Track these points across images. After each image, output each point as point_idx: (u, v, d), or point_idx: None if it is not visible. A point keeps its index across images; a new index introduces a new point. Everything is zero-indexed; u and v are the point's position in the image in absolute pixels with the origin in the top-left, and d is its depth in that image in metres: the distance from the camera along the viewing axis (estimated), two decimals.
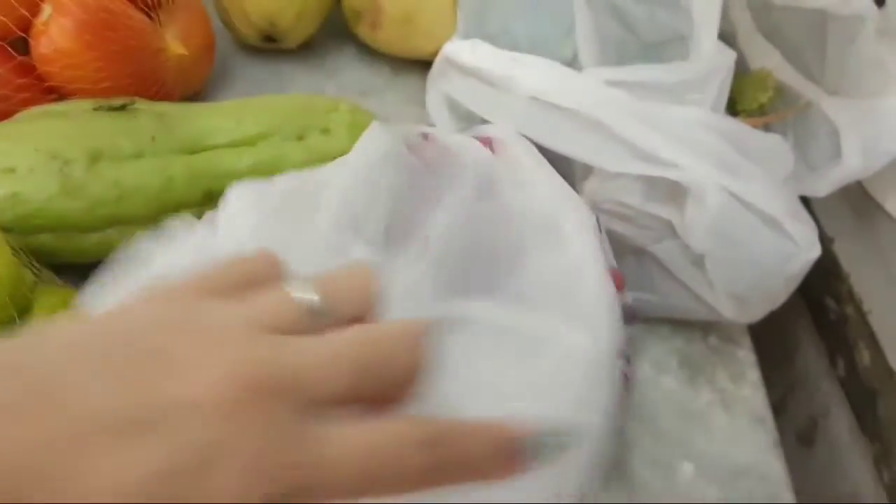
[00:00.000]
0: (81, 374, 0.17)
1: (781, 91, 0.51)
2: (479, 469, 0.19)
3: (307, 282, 0.21)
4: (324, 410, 0.18)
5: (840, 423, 0.46)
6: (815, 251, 0.40)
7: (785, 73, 0.52)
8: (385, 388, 0.20)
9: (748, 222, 0.39)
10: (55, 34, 0.41)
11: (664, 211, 0.41)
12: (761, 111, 0.51)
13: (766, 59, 0.53)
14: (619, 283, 0.40)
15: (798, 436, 0.49)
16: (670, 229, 0.41)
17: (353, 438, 0.18)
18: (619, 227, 0.42)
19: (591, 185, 0.42)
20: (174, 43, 0.46)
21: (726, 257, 0.40)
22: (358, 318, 0.21)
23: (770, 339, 0.48)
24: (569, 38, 0.46)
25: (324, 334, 0.19)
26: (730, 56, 0.42)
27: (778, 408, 0.45)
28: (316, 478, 0.18)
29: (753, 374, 0.43)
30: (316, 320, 0.20)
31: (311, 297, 0.20)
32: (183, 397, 0.17)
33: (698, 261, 0.41)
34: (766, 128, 0.50)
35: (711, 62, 0.42)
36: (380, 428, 0.19)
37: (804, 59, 0.52)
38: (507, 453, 0.19)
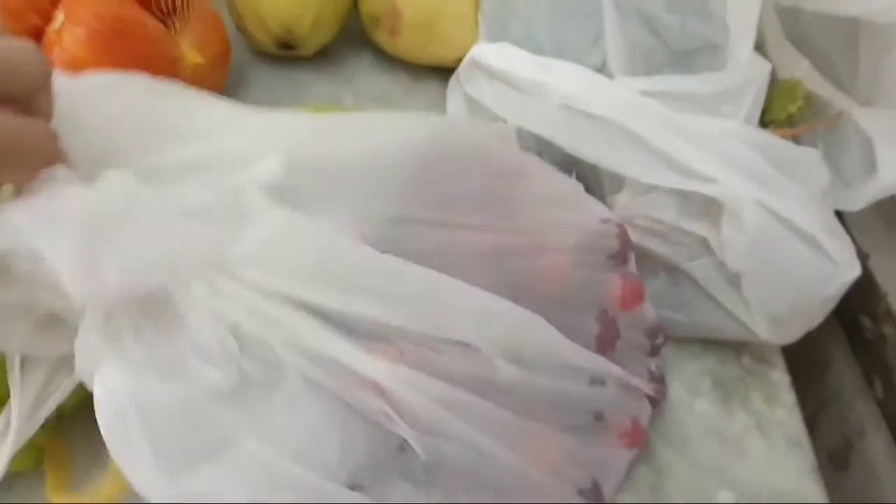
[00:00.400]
0: None
1: (811, 101, 0.50)
2: None
3: None
4: None
5: (876, 445, 0.44)
6: (855, 271, 0.38)
7: (814, 82, 0.50)
8: (15, 91, 0.25)
9: (787, 241, 0.38)
10: (68, 43, 0.40)
11: (699, 227, 0.39)
12: (790, 122, 0.50)
13: (795, 67, 0.52)
14: (638, 295, 0.39)
15: (831, 457, 0.48)
16: (705, 246, 0.40)
17: None
18: (652, 244, 0.40)
19: (622, 199, 0.41)
20: (190, 51, 0.44)
21: (764, 277, 0.38)
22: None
23: (801, 356, 0.47)
24: (596, 45, 0.44)
25: None
26: (765, 67, 0.41)
27: (809, 426, 0.43)
28: None
29: (788, 397, 0.42)
30: None
31: None
32: None
33: (734, 279, 0.39)
34: (796, 139, 0.49)
35: (747, 73, 0.40)
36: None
37: (835, 69, 0.50)
38: None
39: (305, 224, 0.32)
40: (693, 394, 0.41)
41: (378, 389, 0.31)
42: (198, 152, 0.33)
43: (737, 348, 0.43)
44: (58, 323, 0.29)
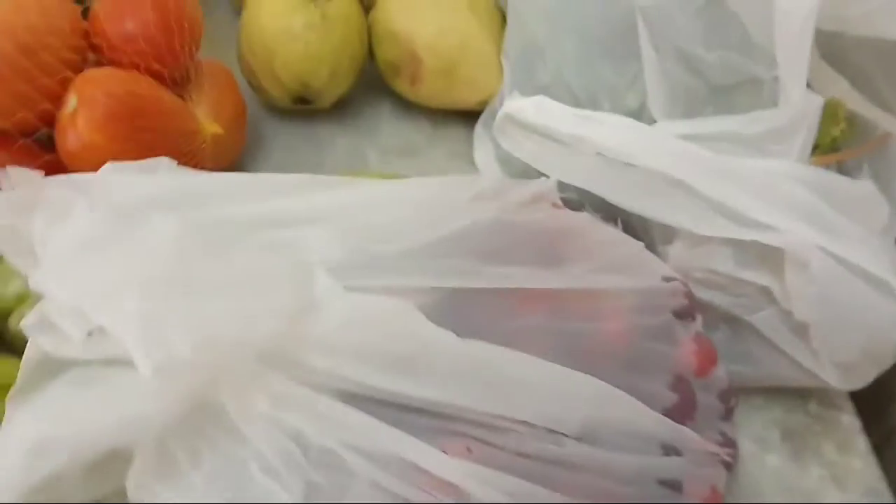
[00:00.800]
0: None
1: (854, 123, 0.48)
2: None
3: None
4: None
5: None
6: None
7: (855, 102, 0.48)
8: None
9: (855, 287, 0.36)
10: (82, 127, 0.38)
11: (759, 276, 0.38)
12: (834, 147, 0.48)
13: (833, 88, 0.50)
14: (713, 358, 0.37)
15: None
16: (767, 296, 0.38)
17: None
18: (711, 297, 0.38)
19: (676, 251, 0.39)
20: (207, 121, 0.42)
21: (833, 325, 0.36)
22: None
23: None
24: (632, 88, 0.42)
25: None
26: (817, 101, 0.39)
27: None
28: None
29: (861, 442, 0.40)
30: None
31: None
32: None
33: (800, 329, 0.37)
34: (840, 166, 0.47)
35: (799, 109, 0.38)
36: None
37: (876, 86, 0.48)
38: None
39: (376, 305, 0.31)
40: (763, 448, 0.39)
41: (449, 489, 0.29)
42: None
43: (802, 395, 0.41)
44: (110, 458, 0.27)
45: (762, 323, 0.38)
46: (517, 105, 0.41)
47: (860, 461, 0.39)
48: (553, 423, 0.31)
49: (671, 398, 0.35)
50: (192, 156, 0.41)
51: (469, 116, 0.51)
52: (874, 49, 0.47)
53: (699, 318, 0.37)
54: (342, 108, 0.52)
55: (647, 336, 0.34)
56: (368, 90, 0.53)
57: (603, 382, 0.31)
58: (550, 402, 0.31)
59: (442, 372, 0.30)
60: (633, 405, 0.32)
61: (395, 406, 0.30)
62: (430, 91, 0.50)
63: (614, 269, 0.35)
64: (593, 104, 0.42)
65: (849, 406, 0.41)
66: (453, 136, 0.52)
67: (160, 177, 0.34)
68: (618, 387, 0.33)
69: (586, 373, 0.32)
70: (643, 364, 0.35)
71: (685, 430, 0.34)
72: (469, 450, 0.30)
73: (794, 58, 0.38)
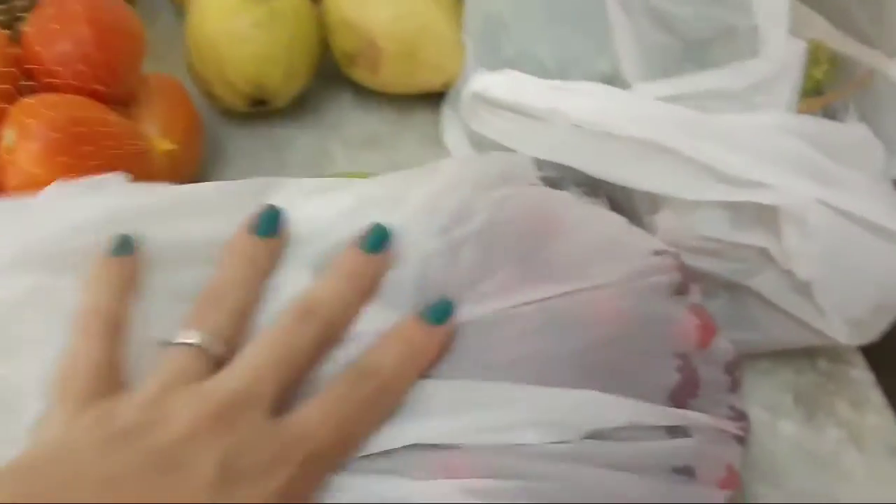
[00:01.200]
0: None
1: (836, 62, 0.46)
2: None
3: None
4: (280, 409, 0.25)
5: None
6: None
7: (835, 40, 0.46)
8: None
9: (858, 239, 0.34)
10: (23, 162, 0.35)
11: (757, 238, 0.36)
12: (818, 90, 0.46)
13: (811, 27, 0.47)
14: (712, 328, 0.35)
15: None
16: (766, 258, 0.36)
17: (314, 409, 0.25)
18: (707, 264, 0.37)
19: (665, 220, 0.37)
20: (159, 139, 0.40)
21: (839, 281, 0.35)
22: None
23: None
24: (604, 53, 0.40)
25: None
26: (800, 46, 0.37)
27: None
28: (311, 447, 0.24)
29: (876, 396, 0.38)
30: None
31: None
32: (170, 442, 0.22)
33: (803, 288, 0.36)
34: (826, 109, 0.45)
35: (782, 56, 0.36)
36: (327, 396, 0.26)
37: (856, 22, 0.46)
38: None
39: None
40: (775, 415, 0.38)
41: None
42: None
43: (810, 354, 0.39)
44: None
45: (762, 286, 0.36)
46: (484, 81, 0.39)
47: (877, 417, 0.38)
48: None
49: (674, 378, 0.33)
50: (145, 177, 0.38)
51: (436, 99, 0.48)
52: None
53: (695, 289, 0.35)
54: (301, 105, 0.49)
55: (642, 320, 0.32)
56: (328, 83, 0.51)
57: (596, 393, 0.30)
58: (547, 427, 0.29)
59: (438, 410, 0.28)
60: (633, 408, 0.30)
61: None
62: (391, 78, 0.48)
63: (599, 256, 0.33)
64: (563, 73, 0.40)
65: (859, 360, 0.40)
66: (421, 121, 0.49)
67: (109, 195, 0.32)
68: (617, 378, 0.31)
69: (581, 368, 0.30)
70: (641, 349, 0.33)
71: (690, 414, 0.32)
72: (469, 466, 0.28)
73: (773, 2, 0.36)
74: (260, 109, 0.48)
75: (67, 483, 0.21)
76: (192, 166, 0.44)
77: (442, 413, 0.28)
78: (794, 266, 0.35)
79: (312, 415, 0.25)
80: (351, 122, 0.49)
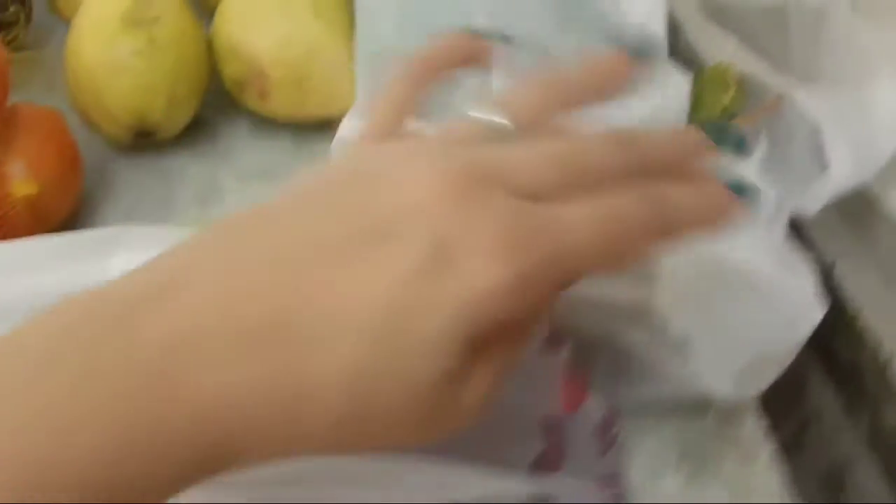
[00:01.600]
0: (313, 209, 0.20)
1: (745, 87, 0.44)
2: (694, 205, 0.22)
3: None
4: (539, 198, 0.20)
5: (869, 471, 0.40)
6: (821, 309, 0.33)
7: (746, 62, 0.44)
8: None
9: (736, 292, 0.32)
10: None
11: (629, 292, 0.34)
12: (726, 115, 0.44)
13: (721, 49, 0.45)
14: (583, 390, 0.33)
15: (821, 482, 0.43)
16: (642, 312, 0.34)
17: (583, 207, 0.20)
18: (581, 320, 0.35)
19: None
20: (20, 181, 0.38)
21: (718, 338, 0.33)
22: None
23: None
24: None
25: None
26: (682, 83, 0.35)
27: (795, 450, 0.39)
28: (562, 244, 0.19)
29: (765, 453, 0.36)
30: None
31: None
32: (404, 205, 0.19)
33: (682, 344, 0.34)
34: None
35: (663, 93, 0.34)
36: (603, 199, 0.20)
37: (763, 44, 0.44)
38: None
39: None
40: (657, 475, 0.36)
41: None
42: None
43: (700, 408, 0.37)
44: None
45: (638, 342, 0.34)
46: (351, 126, 0.37)
47: (764, 475, 0.36)
48: None
49: (540, 446, 0.32)
50: None
51: (336, 128, 0.46)
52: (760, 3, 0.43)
53: (567, 345, 0.33)
54: (193, 134, 0.47)
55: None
56: (221, 111, 0.49)
57: (453, 465, 0.28)
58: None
59: None
60: (493, 479, 0.29)
61: None
62: (281, 106, 0.45)
63: None
64: (443, 114, 0.38)
65: (751, 408, 0.38)
66: (319, 150, 0.47)
67: None
68: (476, 448, 0.29)
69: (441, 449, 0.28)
70: (504, 415, 0.31)
71: (555, 482, 0.31)
72: None
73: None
74: (147, 141, 0.46)
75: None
76: (65, 207, 0.42)
77: None
78: (669, 321, 0.33)
79: (577, 210, 0.20)
80: (245, 151, 0.47)
